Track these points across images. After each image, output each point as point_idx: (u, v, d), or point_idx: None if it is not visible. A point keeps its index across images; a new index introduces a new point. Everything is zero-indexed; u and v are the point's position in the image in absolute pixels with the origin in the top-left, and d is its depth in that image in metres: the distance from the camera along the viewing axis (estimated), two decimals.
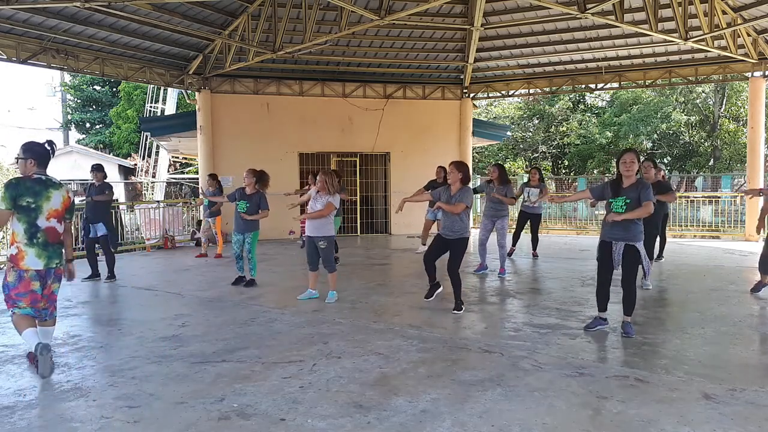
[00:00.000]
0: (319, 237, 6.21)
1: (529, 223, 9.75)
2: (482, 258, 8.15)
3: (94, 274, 8.03)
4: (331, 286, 6.40)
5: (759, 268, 6.51)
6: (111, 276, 7.90)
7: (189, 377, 3.95)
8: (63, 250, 4.28)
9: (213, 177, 10.47)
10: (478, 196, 10.88)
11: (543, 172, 28.09)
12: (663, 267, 8.54)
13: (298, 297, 6.51)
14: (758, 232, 7.81)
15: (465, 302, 6.11)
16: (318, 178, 6.32)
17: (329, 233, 6.28)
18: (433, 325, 5.29)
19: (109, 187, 8.08)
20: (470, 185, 5.90)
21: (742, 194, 9.59)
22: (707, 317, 5.51)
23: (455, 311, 5.77)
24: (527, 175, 9.89)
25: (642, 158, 5.95)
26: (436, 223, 6.22)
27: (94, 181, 8.05)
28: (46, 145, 4.24)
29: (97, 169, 8.07)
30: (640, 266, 4.90)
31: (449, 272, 5.80)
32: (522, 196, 9.64)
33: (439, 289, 5.97)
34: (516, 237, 9.78)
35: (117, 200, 11.41)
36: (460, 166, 5.82)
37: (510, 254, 9.56)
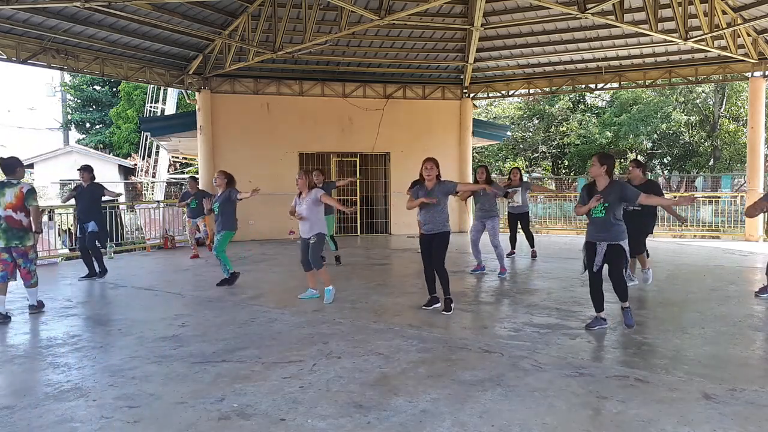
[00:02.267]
0: (311, 235, 6.28)
1: (519, 223, 9.77)
2: (478, 258, 8.16)
3: (91, 274, 8.07)
4: (325, 283, 6.39)
5: (767, 272, 6.44)
6: (102, 271, 7.99)
7: (189, 377, 3.95)
8: (24, 234, 5.60)
9: (194, 179, 10.53)
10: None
11: (543, 172, 28.25)
12: (663, 267, 8.53)
13: (299, 296, 6.52)
14: (749, 215, 7.24)
15: (465, 302, 6.12)
16: (297, 178, 6.43)
17: (320, 230, 6.34)
18: (433, 325, 5.29)
19: (102, 188, 8.11)
20: (444, 179, 5.89)
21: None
22: (707, 317, 5.51)
23: (444, 312, 5.73)
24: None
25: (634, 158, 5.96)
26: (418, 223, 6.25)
27: (82, 182, 8.04)
28: (8, 158, 5.76)
29: (85, 169, 8.07)
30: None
31: (434, 267, 5.79)
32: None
33: (437, 304, 5.96)
34: (513, 239, 9.82)
35: (117, 199, 11.41)
36: (437, 162, 5.83)
37: (509, 255, 9.60)
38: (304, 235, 6.36)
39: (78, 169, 8.15)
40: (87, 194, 7.93)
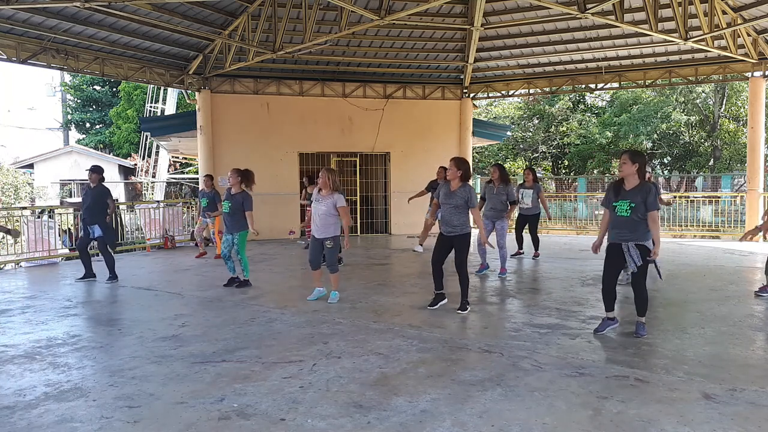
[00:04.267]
0: (326, 237, 6.20)
1: (528, 225, 9.76)
2: (483, 258, 8.16)
3: (88, 274, 7.91)
4: (334, 287, 6.40)
5: (766, 272, 6.44)
6: (112, 277, 7.81)
7: (189, 377, 3.95)
8: None
9: (209, 177, 10.40)
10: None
11: (543, 172, 28.27)
12: (663, 267, 8.51)
13: (307, 298, 6.44)
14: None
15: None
16: (320, 174, 6.27)
17: (336, 233, 6.27)
18: (433, 325, 5.28)
19: (108, 193, 7.91)
20: (470, 182, 5.91)
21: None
22: (707, 317, 5.51)
23: (460, 311, 5.75)
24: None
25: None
26: (437, 222, 6.24)
27: (89, 183, 7.86)
28: None
29: (94, 170, 7.87)
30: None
31: (457, 269, 5.77)
32: (517, 198, 9.65)
33: (444, 301, 5.95)
34: (518, 239, 9.84)
35: (117, 200, 11.38)
36: (460, 162, 5.80)
37: (515, 255, 9.62)
38: (316, 234, 6.24)
39: (87, 170, 7.98)
40: (92, 196, 7.73)
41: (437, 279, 5.97)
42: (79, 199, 8.23)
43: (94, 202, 7.71)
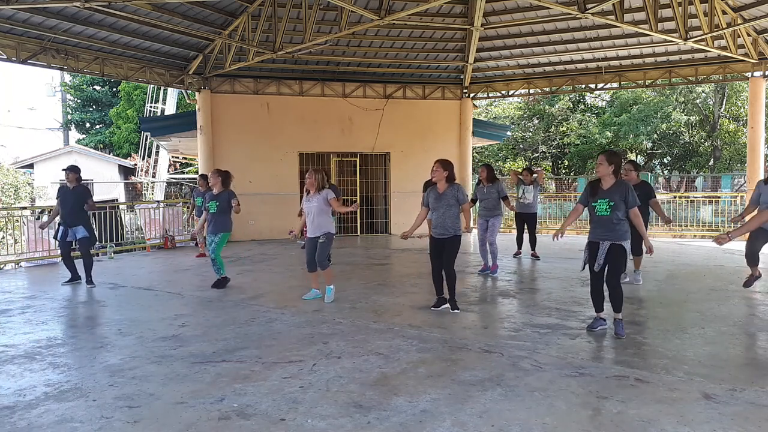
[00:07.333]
0: (319, 235, 6.25)
1: (525, 224, 9.79)
2: (485, 259, 8.16)
3: (74, 278, 7.66)
4: (327, 282, 6.41)
5: (747, 262, 6.48)
6: (89, 281, 7.47)
7: (189, 377, 3.95)
8: None
9: (204, 178, 10.33)
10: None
11: (543, 172, 28.28)
12: (663, 267, 8.53)
13: (303, 297, 6.49)
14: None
15: (465, 302, 6.13)
16: (307, 175, 6.38)
17: (330, 230, 6.33)
18: (433, 325, 5.29)
19: (89, 193, 7.60)
20: (457, 182, 5.94)
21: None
22: (707, 317, 5.51)
23: (452, 311, 5.79)
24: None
25: (625, 161, 5.91)
26: (427, 222, 6.17)
27: (67, 183, 7.50)
28: None
29: (71, 170, 7.52)
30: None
31: (444, 269, 5.80)
32: (518, 194, 9.74)
33: (445, 305, 5.97)
34: (519, 240, 9.87)
35: (117, 200, 11.35)
36: (445, 164, 5.84)
37: (515, 256, 9.65)
38: (311, 234, 6.31)
39: (63, 169, 7.67)
40: (72, 197, 7.41)
41: (438, 284, 5.99)
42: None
43: (76, 203, 7.38)
